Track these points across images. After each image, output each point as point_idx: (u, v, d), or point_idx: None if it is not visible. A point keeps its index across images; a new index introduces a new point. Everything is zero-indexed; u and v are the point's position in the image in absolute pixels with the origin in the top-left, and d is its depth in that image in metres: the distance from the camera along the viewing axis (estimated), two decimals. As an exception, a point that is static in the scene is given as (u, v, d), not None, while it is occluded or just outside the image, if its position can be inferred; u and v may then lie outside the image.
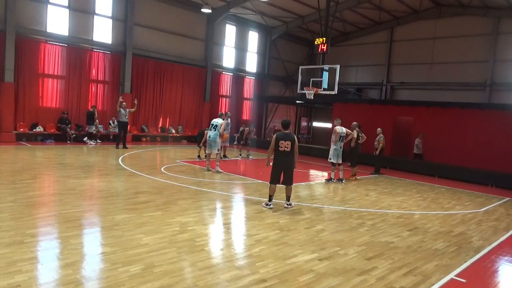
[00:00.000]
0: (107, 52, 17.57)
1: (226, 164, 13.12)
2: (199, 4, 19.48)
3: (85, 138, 16.32)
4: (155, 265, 4.35)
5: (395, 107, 18.95)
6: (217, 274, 4.27)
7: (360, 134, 12.30)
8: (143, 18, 18.41)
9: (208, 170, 11.38)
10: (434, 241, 6.25)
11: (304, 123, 28.08)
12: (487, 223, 7.88)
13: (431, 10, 21.72)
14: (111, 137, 16.97)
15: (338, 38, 25.60)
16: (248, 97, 24.68)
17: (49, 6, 15.60)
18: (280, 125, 8.22)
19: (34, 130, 15.54)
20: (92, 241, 5.12)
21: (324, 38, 16.03)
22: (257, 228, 6.12)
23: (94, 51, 17.21)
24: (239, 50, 23.53)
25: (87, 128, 16.46)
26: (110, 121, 17.37)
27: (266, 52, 24.93)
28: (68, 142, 15.88)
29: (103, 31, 17.35)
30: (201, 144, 13.61)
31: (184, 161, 13.16)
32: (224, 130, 11.97)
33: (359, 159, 12.72)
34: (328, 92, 15.73)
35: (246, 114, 24.69)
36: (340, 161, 11.44)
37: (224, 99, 23.26)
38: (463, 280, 4.76)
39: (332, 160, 11.36)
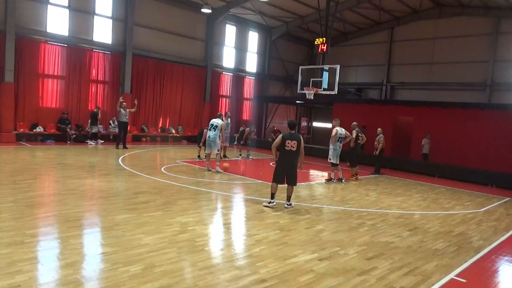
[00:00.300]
0: (107, 52, 17.57)
1: (226, 164, 13.10)
2: (199, 4, 19.48)
3: (88, 140, 16.39)
4: (155, 265, 4.35)
5: (395, 107, 18.96)
6: (217, 274, 4.27)
7: (360, 135, 12.29)
8: (143, 18, 18.42)
9: (208, 170, 11.38)
10: (434, 241, 6.25)
11: (304, 123, 28.09)
12: (487, 223, 7.88)
13: (431, 10, 21.72)
14: (111, 137, 16.97)
15: (338, 38, 25.60)
16: (248, 97, 24.68)
17: (49, 6, 15.60)
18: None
19: (34, 130, 15.54)
20: (92, 241, 5.12)
21: (324, 38, 16.03)
22: (257, 228, 6.12)
23: (94, 51, 17.21)
24: (239, 50, 23.54)
25: (87, 128, 16.49)
26: (111, 121, 17.37)
27: (266, 52, 24.93)
28: (68, 142, 15.88)
29: (103, 31, 17.35)
30: (200, 144, 13.61)
31: (184, 161, 13.16)
32: (224, 130, 11.99)
33: (359, 159, 12.71)
34: (328, 92, 15.74)
35: (246, 114, 24.69)
36: (338, 162, 11.44)
37: (224, 99, 23.26)
38: (463, 280, 4.76)
39: (332, 161, 11.36)
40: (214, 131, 11.24)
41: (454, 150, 15.67)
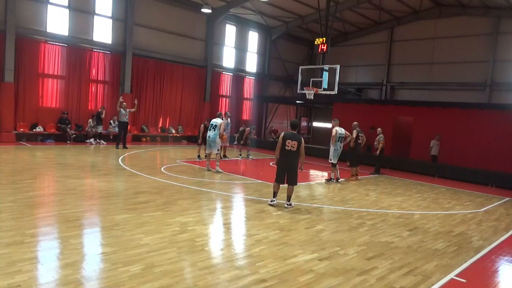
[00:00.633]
0: (107, 52, 17.57)
1: (226, 164, 13.12)
2: (199, 4, 19.48)
3: (92, 140, 16.48)
4: (155, 265, 4.35)
5: (395, 107, 18.96)
6: (217, 274, 4.27)
7: (360, 135, 12.30)
8: (143, 18, 18.41)
9: (208, 170, 11.38)
10: (434, 241, 6.25)
11: (304, 123, 28.09)
12: (487, 223, 7.88)
13: (431, 10, 21.71)
14: (111, 137, 16.98)
15: (338, 38, 25.59)
16: (248, 97, 24.68)
17: (49, 6, 15.60)
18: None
19: (34, 130, 15.54)
20: (92, 241, 5.12)
21: (324, 38, 16.03)
22: (257, 228, 6.12)
23: (94, 51, 17.20)
24: (239, 50, 23.53)
25: (87, 128, 16.51)
26: (111, 121, 17.37)
27: (266, 52, 24.93)
28: (68, 142, 15.87)
29: (103, 31, 17.34)
30: (199, 141, 13.63)
31: (184, 161, 13.16)
32: (224, 130, 11.98)
33: (359, 159, 12.71)
34: (328, 92, 15.74)
35: (246, 114, 24.69)
36: (336, 161, 11.44)
37: (224, 99, 23.26)
38: (463, 280, 4.76)
39: (332, 161, 11.37)
40: (214, 130, 11.24)
41: (454, 150, 15.66)
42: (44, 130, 15.77)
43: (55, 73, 16.13)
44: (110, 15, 17.50)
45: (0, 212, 5.84)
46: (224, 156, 14.36)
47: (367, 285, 4.34)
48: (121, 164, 11.63)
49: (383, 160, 14.30)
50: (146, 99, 19.18)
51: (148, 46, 18.78)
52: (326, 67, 15.95)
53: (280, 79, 26.16)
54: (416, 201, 9.68)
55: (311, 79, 16.34)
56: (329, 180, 11.46)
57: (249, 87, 24.72)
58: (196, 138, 15.58)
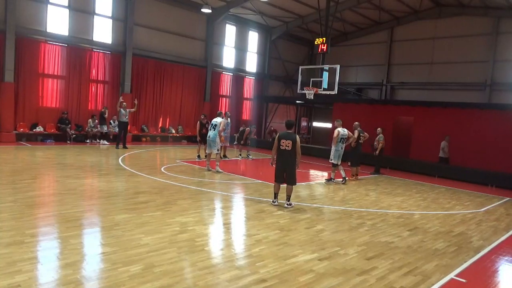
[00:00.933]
0: (107, 52, 17.56)
1: (226, 164, 13.12)
2: (199, 4, 19.48)
3: (97, 139, 16.60)
4: (155, 265, 4.35)
5: (395, 107, 18.95)
6: (217, 274, 4.27)
7: (361, 135, 12.31)
8: (143, 18, 18.41)
9: (208, 170, 11.38)
10: (434, 241, 6.25)
11: (304, 123, 28.09)
12: (487, 223, 7.88)
13: (431, 10, 21.71)
14: (111, 137, 16.98)
15: (338, 38, 25.59)
16: (248, 97, 24.68)
17: (49, 6, 15.59)
18: (278, 126, 8.33)
19: (34, 130, 15.54)
20: (92, 241, 5.12)
21: (324, 38, 16.03)
22: (257, 228, 6.12)
23: (94, 51, 17.20)
24: (239, 50, 23.53)
25: (87, 128, 16.54)
26: (111, 121, 17.37)
27: (266, 52, 24.93)
28: (68, 142, 15.88)
29: (103, 31, 17.34)
30: (198, 138, 13.64)
31: (184, 161, 13.16)
32: (224, 129, 11.99)
33: (360, 159, 12.70)
34: (328, 92, 15.73)
35: (246, 114, 24.69)
36: (339, 162, 11.44)
37: (224, 99, 23.26)
38: (463, 280, 4.76)
39: (333, 161, 11.36)
40: (214, 130, 11.24)
41: (454, 150, 15.64)
42: (44, 130, 15.76)
43: (55, 73, 16.13)
44: (110, 15, 17.50)
45: (0, 212, 5.84)
46: (224, 156, 14.36)
47: (367, 285, 4.34)
48: (121, 164, 11.63)
49: (383, 160, 14.29)
50: (146, 99, 19.18)
51: (148, 46, 18.78)
52: (326, 67, 15.95)
53: (280, 79, 26.16)
54: (416, 201, 9.68)
55: (311, 79, 16.34)
56: (329, 180, 11.46)
57: (249, 87, 24.72)
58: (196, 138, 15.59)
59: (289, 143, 7.55)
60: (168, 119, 20.35)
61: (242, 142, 15.63)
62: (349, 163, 12.48)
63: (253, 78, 24.66)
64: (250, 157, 15.61)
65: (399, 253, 5.49)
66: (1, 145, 13.49)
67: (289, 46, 26.37)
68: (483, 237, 6.75)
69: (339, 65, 15.48)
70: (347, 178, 11.49)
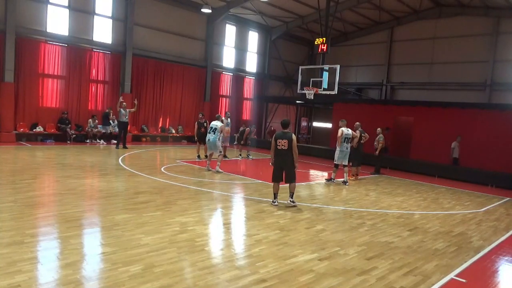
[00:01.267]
0: (107, 52, 17.56)
1: (226, 164, 13.12)
2: (199, 4, 19.48)
3: (104, 140, 16.66)
4: (155, 265, 4.35)
5: (395, 107, 18.95)
6: (217, 274, 4.27)
7: (363, 135, 12.31)
8: (143, 18, 18.41)
9: (208, 170, 11.37)
10: (434, 241, 6.25)
11: (304, 123, 28.09)
12: (487, 223, 7.88)
13: (431, 10, 21.71)
14: (113, 139, 16.96)
15: (338, 38, 25.60)
16: (248, 97, 24.67)
17: (49, 6, 15.60)
18: (278, 126, 8.35)
19: (34, 130, 15.54)
20: (92, 241, 5.12)
21: (324, 38, 16.04)
22: (257, 228, 6.12)
23: (94, 51, 17.20)
24: (239, 50, 23.53)
25: (87, 128, 16.56)
26: (111, 121, 17.36)
27: (266, 52, 24.92)
28: (68, 142, 15.88)
29: (103, 31, 17.34)
30: (196, 138, 13.65)
31: (184, 161, 13.16)
32: (224, 133, 11.99)
33: (361, 160, 12.69)
34: (328, 92, 15.74)
35: (246, 114, 24.68)
36: (346, 163, 11.42)
37: (224, 99, 23.26)
38: (463, 280, 4.76)
39: (336, 162, 11.35)
40: (214, 133, 11.20)
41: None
42: (44, 130, 15.76)
43: (55, 73, 16.12)
44: (110, 15, 17.50)
45: (0, 212, 5.84)
46: (224, 156, 14.34)
47: (367, 285, 4.34)
48: (121, 164, 11.63)
49: (382, 160, 14.29)
50: (146, 99, 19.18)
51: (148, 46, 18.78)
52: (326, 67, 15.96)
53: (280, 79, 26.16)
54: (416, 201, 9.68)
55: (311, 79, 16.35)
56: (329, 180, 11.44)
57: (249, 87, 24.72)
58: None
59: (285, 142, 7.60)
60: (168, 119, 20.35)
61: (242, 142, 15.64)
62: (350, 163, 12.47)
63: (253, 78, 24.66)
64: (250, 157, 15.61)
65: (399, 253, 5.49)
66: (1, 145, 13.49)
67: (289, 46, 26.36)
68: (483, 237, 6.75)
69: (339, 65, 15.49)
70: (347, 184, 11.32)
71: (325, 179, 11.70)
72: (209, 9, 18.98)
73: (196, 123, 13.65)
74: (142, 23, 18.44)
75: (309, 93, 16.08)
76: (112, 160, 12.43)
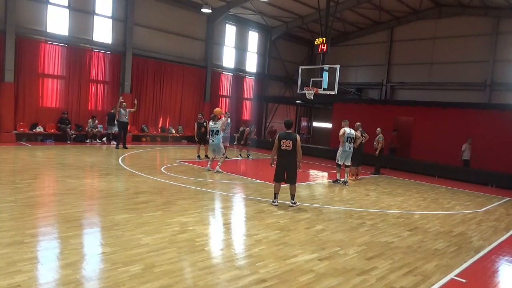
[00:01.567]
0: (107, 52, 17.56)
1: (226, 164, 13.10)
2: (199, 4, 19.48)
3: (103, 141, 16.72)
4: (155, 265, 4.35)
5: (395, 107, 18.95)
6: (217, 274, 4.27)
7: (363, 135, 12.31)
8: (143, 18, 18.41)
9: (208, 170, 11.37)
10: (434, 241, 6.25)
11: (304, 123, 28.09)
12: (487, 223, 7.88)
13: (431, 10, 21.71)
14: (111, 137, 16.97)
15: (338, 38, 25.59)
16: (248, 97, 24.67)
17: (49, 6, 15.60)
18: (278, 126, 8.34)
19: (34, 130, 15.54)
20: (92, 241, 5.12)
21: (324, 38, 16.04)
22: (257, 228, 6.12)
23: (94, 51, 17.20)
24: (239, 50, 23.53)
25: (87, 128, 16.58)
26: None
27: (266, 52, 24.93)
28: (68, 142, 15.88)
29: (103, 31, 17.34)
30: (196, 139, 13.64)
31: (184, 161, 13.16)
32: (224, 129, 11.98)
33: (361, 160, 12.68)
34: (328, 92, 15.74)
35: (246, 114, 24.68)
36: (348, 163, 11.41)
37: (224, 99, 23.25)
38: (463, 280, 4.76)
39: (338, 162, 11.34)
40: (217, 135, 11.16)
41: (453, 150, 15.64)
42: (44, 130, 15.76)
43: (55, 73, 16.12)
44: (110, 15, 17.50)
45: (0, 212, 5.84)
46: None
47: (367, 285, 4.34)
48: (121, 164, 11.63)
49: (382, 160, 14.29)
50: (146, 99, 19.18)
51: (148, 46, 18.78)
52: (326, 67, 15.96)
53: (280, 79, 26.16)
54: (416, 201, 9.68)
55: (311, 79, 16.35)
56: (335, 181, 11.39)
57: (249, 87, 24.72)
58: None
59: (289, 143, 7.57)
60: (168, 119, 20.35)
61: (242, 142, 15.64)
62: (351, 163, 12.46)
63: (253, 78, 24.66)
64: (250, 157, 15.61)
65: (399, 253, 5.49)
66: (1, 145, 13.49)
67: (289, 46, 26.36)
68: (483, 237, 6.75)
69: (339, 65, 15.49)
70: (347, 184, 11.35)
71: (332, 180, 11.61)
72: (209, 9, 18.99)
73: (196, 123, 13.66)
74: (142, 23, 18.44)
75: (309, 93, 16.08)
76: (112, 160, 12.43)
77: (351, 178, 12.13)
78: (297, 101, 25.16)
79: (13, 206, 6.24)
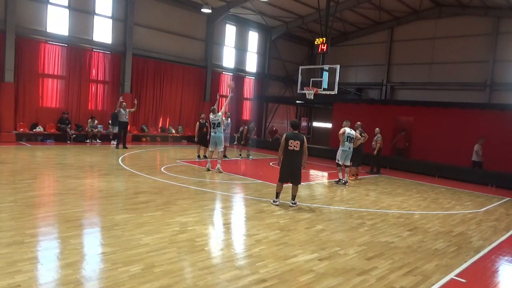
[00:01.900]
0: (107, 52, 17.56)
1: (226, 164, 13.11)
2: (199, 4, 19.48)
3: (111, 141, 16.67)
4: (155, 265, 4.35)
5: (395, 107, 18.94)
6: (217, 274, 4.27)
7: (362, 135, 12.30)
8: (143, 18, 18.41)
9: (208, 170, 11.37)
10: (434, 241, 6.25)
11: (304, 123, 28.09)
12: (487, 223, 7.88)
13: (431, 10, 21.71)
14: (111, 137, 16.98)
15: (338, 38, 25.60)
16: (248, 97, 24.67)
17: (49, 6, 15.60)
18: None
19: (34, 130, 15.54)
20: (92, 241, 5.12)
21: (324, 38, 16.04)
22: (257, 228, 6.12)
23: (94, 51, 17.20)
24: (239, 50, 23.53)
25: (87, 128, 16.59)
26: (110, 121, 17.36)
27: (266, 52, 24.92)
28: (68, 142, 15.89)
29: (103, 31, 17.34)
30: (196, 139, 13.65)
31: (184, 161, 13.16)
32: (224, 129, 12.06)
33: (361, 160, 12.68)
34: (328, 92, 15.75)
35: (246, 114, 24.68)
36: (348, 163, 11.41)
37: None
38: (463, 280, 4.76)
39: (339, 161, 11.34)
40: (219, 127, 11.28)
41: (453, 150, 15.64)
42: (44, 130, 15.77)
43: (55, 73, 16.13)
44: (110, 15, 17.50)
45: (0, 212, 5.84)
46: (224, 156, 14.35)
47: (367, 285, 4.34)
48: (121, 164, 11.63)
49: (380, 160, 14.28)
50: (146, 99, 19.18)
51: (148, 46, 18.78)
52: (326, 67, 15.96)
53: (280, 79, 26.16)
54: (416, 201, 9.68)
55: (311, 79, 16.35)
56: (338, 181, 11.38)
57: (249, 87, 24.72)
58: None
59: (297, 143, 7.58)
60: (168, 119, 20.35)
61: (242, 142, 15.64)
62: (351, 163, 12.46)
63: (253, 78, 24.66)
64: (250, 157, 15.61)
65: (399, 253, 5.49)
66: (1, 145, 13.49)
67: (289, 46, 26.36)
68: (483, 237, 6.75)
69: (339, 65, 15.49)
70: (347, 184, 11.35)
71: (334, 181, 11.59)
72: (209, 9, 18.99)
73: (198, 123, 13.65)
74: (142, 23, 18.44)
75: (309, 93, 16.08)
76: (112, 160, 12.42)
77: (351, 178, 12.13)
78: (297, 101, 25.15)
79: (13, 206, 6.24)
